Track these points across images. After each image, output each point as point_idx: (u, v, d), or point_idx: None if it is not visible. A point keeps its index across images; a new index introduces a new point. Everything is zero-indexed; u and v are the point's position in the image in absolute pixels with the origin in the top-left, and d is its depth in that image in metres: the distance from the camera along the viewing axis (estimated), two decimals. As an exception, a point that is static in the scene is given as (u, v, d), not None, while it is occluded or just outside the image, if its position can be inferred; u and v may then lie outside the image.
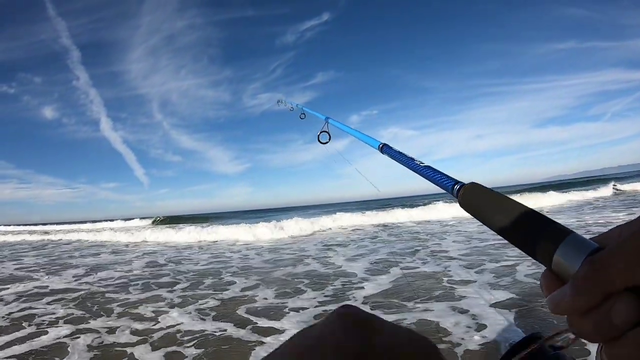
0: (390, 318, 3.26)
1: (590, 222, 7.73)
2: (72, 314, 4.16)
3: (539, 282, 0.34)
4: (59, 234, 19.21)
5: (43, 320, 3.96)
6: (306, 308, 3.87)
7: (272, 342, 2.98)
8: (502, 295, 3.69)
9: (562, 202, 15.60)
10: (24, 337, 3.46)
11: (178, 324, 3.59)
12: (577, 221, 8.00)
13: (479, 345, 2.69)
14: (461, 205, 0.48)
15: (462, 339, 2.79)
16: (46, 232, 23.11)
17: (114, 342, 3.21)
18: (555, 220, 0.35)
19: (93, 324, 3.75)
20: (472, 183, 0.48)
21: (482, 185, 0.47)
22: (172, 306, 4.24)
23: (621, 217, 8.41)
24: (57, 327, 3.73)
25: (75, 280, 6.20)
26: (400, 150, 0.76)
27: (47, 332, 3.55)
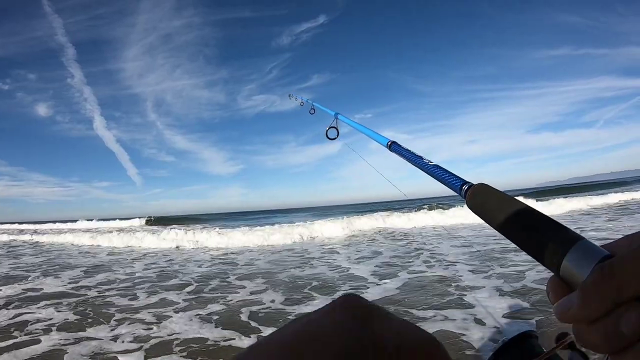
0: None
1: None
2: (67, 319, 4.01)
3: (545, 288, 0.33)
4: (50, 236, 16.32)
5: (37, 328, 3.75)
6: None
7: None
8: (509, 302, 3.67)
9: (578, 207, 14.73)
10: (11, 345, 3.27)
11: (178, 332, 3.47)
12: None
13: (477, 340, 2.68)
14: (469, 206, 0.47)
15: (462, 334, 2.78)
16: (36, 232, 21.35)
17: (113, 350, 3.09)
18: (565, 225, 0.34)
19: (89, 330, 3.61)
20: (481, 184, 0.47)
21: (491, 186, 0.46)
22: (177, 311, 4.15)
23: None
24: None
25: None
26: (409, 149, 0.75)
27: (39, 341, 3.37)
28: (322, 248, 8.76)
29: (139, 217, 34.25)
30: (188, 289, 5.24)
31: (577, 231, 0.33)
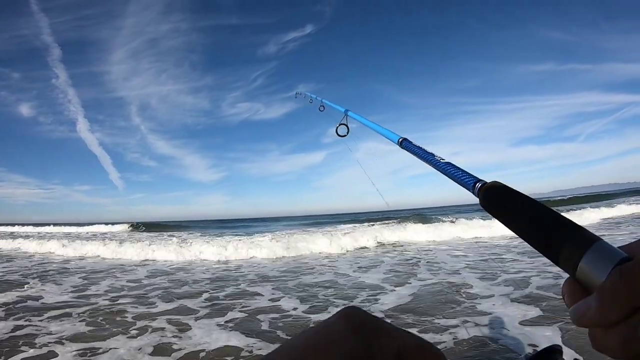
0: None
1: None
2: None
3: (560, 291, 0.32)
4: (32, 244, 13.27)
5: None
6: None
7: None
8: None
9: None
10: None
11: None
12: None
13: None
14: (482, 205, 0.46)
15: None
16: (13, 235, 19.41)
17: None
18: (582, 226, 0.33)
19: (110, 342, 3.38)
20: (495, 182, 0.46)
21: (505, 185, 0.44)
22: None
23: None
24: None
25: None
26: (421, 146, 0.75)
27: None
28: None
29: (127, 223, 33.69)
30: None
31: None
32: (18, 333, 3.70)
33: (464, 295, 4.35)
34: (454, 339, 3.08)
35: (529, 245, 0.38)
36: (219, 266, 8.08)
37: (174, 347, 3.24)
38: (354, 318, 0.26)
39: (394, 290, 4.84)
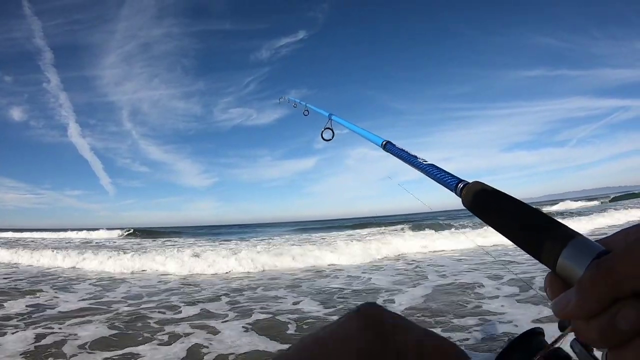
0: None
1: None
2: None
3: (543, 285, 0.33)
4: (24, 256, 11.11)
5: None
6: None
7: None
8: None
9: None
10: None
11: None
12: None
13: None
14: (464, 205, 0.47)
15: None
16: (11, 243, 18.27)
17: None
18: (561, 222, 0.34)
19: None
20: (476, 182, 0.48)
21: (486, 184, 0.46)
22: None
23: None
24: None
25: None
26: (403, 148, 0.76)
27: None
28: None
29: (120, 229, 32.54)
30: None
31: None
32: (43, 342, 3.59)
33: (473, 296, 4.43)
34: (467, 336, 3.13)
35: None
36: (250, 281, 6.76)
37: (204, 351, 3.20)
38: (369, 314, 0.25)
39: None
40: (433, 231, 11.28)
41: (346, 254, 8.60)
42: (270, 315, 4.24)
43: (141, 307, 4.96)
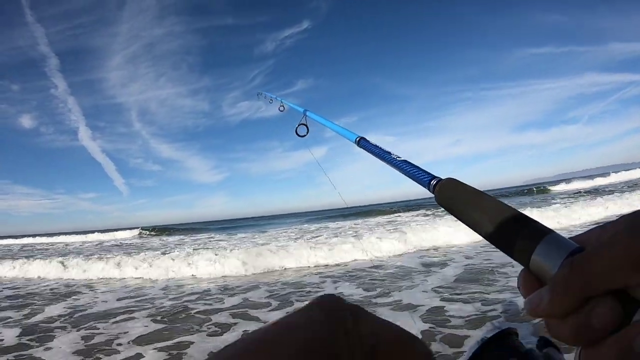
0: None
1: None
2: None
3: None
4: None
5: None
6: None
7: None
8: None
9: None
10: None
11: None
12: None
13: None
14: (437, 201, 0.47)
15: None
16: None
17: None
18: (535, 219, 0.33)
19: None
20: (449, 178, 0.47)
21: (460, 181, 0.45)
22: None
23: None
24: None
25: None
26: (377, 144, 0.74)
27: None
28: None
29: (137, 227, 32.95)
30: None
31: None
32: (92, 341, 3.68)
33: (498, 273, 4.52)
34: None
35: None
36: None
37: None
38: (330, 305, 0.25)
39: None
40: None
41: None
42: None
43: (183, 300, 5.06)
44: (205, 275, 6.91)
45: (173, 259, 7.75)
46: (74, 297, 5.91)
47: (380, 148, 0.71)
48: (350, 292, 4.76)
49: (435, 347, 2.85)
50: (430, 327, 3.20)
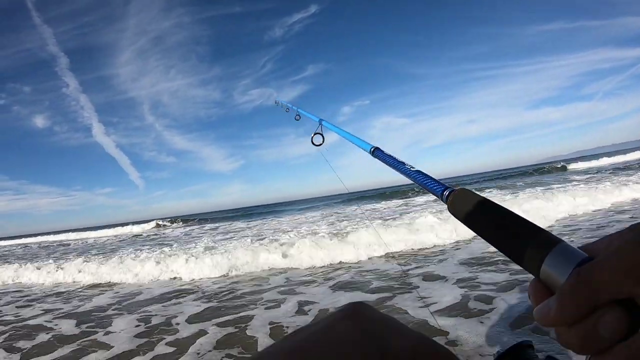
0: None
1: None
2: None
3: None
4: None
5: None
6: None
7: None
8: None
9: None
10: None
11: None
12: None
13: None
14: (450, 211, 0.48)
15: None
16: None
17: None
18: (545, 229, 0.34)
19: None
20: (462, 189, 0.48)
21: (472, 191, 0.47)
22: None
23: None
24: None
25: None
26: (392, 154, 0.76)
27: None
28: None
29: (155, 219, 33.21)
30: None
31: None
32: (151, 323, 3.84)
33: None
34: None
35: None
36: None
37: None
38: (362, 316, 0.24)
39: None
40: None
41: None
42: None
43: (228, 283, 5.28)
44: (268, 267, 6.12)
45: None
46: (116, 288, 6.15)
47: (395, 158, 0.73)
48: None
49: (471, 304, 3.18)
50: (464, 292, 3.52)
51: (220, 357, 2.80)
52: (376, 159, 0.80)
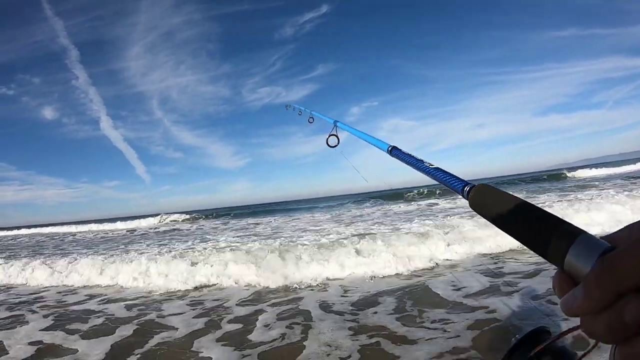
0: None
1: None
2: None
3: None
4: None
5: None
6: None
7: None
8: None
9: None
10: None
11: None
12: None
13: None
14: (471, 206, 0.49)
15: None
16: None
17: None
18: (566, 220, 0.35)
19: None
20: (482, 184, 0.49)
21: (492, 186, 0.47)
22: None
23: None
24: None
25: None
26: (410, 153, 0.77)
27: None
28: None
29: (179, 213, 31.73)
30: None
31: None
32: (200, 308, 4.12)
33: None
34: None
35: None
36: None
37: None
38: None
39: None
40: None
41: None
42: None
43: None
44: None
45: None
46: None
47: (413, 157, 0.73)
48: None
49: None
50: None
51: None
52: (394, 158, 0.81)
